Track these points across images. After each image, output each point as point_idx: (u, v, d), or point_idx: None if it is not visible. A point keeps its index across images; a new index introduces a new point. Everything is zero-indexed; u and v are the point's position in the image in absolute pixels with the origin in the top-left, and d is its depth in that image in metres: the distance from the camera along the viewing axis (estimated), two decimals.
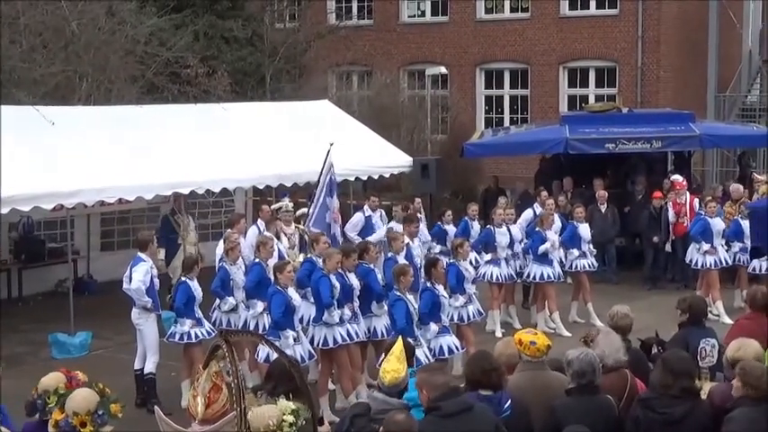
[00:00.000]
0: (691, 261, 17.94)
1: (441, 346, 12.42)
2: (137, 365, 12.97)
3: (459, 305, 13.91)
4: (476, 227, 17.45)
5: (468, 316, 14.05)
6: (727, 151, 27.57)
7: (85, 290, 18.72)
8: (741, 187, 19.87)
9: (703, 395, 7.47)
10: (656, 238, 19.32)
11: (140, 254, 13.20)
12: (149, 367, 12.91)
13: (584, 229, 17.28)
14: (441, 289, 12.71)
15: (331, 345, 12.32)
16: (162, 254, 16.89)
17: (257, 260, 13.48)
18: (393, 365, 7.18)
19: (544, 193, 18.28)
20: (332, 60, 31.61)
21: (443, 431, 6.58)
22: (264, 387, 7.49)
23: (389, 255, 14.22)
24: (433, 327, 12.31)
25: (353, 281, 12.70)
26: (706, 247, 17.51)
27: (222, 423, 5.09)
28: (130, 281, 12.91)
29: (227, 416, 5.61)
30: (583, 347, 7.80)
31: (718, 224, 17.81)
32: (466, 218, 17.66)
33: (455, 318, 13.79)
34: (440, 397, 6.71)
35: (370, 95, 29.91)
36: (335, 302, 12.31)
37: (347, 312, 12.51)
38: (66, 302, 15.57)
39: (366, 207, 17.79)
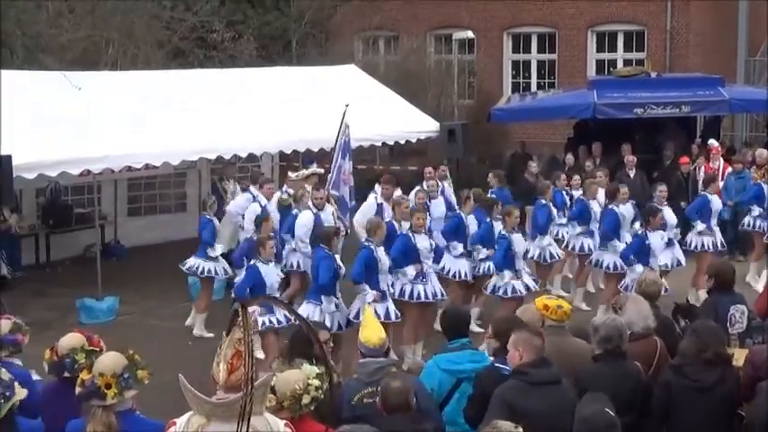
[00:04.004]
0: (685, 242, 15.98)
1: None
2: None
3: (546, 244, 15.44)
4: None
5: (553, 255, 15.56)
6: (756, 116, 27.30)
7: (113, 255, 18.80)
8: (766, 152, 19.62)
9: (734, 362, 7.43)
10: (683, 203, 19.14)
11: (251, 187, 15.38)
12: None
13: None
14: None
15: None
16: None
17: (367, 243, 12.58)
18: (376, 331, 7.47)
19: (428, 169, 16.65)
20: (358, 25, 31.42)
21: (526, 398, 6.53)
22: (284, 353, 7.54)
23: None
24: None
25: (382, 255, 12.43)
26: (701, 227, 15.95)
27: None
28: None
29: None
30: (610, 313, 7.77)
31: (716, 203, 16.34)
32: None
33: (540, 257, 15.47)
34: (531, 363, 6.69)
35: (396, 60, 29.74)
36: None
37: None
38: (94, 267, 15.61)
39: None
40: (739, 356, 7.98)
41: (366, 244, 12.31)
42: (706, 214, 16.09)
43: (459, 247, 14.29)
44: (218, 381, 5.30)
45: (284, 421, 5.58)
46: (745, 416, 7.17)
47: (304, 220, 14.30)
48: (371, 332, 7.45)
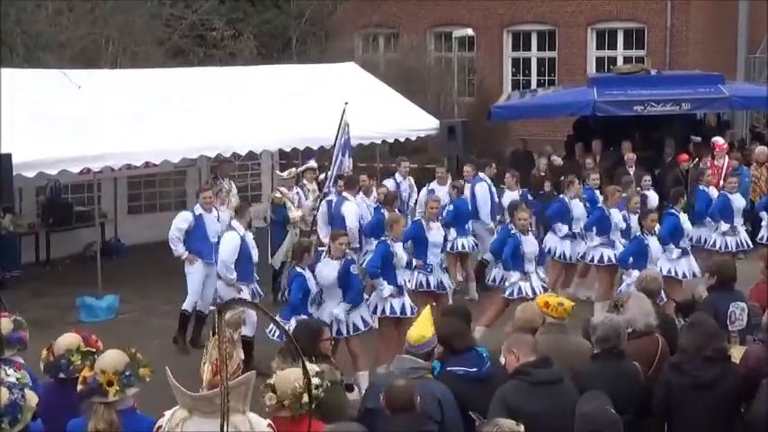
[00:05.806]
0: (706, 241, 15.86)
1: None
2: None
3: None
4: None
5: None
6: (757, 113, 27.31)
7: (113, 253, 18.76)
8: (766, 149, 19.59)
9: (733, 360, 7.41)
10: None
11: (346, 192, 14.91)
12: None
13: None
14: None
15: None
16: None
17: (384, 238, 12.47)
18: (420, 328, 7.25)
19: (368, 175, 16.45)
20: (358, 23, 31.42)
21: (529, 398, 6.51)
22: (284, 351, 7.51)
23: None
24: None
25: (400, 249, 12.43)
26: (725, 227, 15.64)
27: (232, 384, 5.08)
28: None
29: (234, 380, 5.58)
30: (608, 313, 7.77)
31: (738, 201, 15.99)
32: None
33: None
34: (532, 363, 6.67)
35: (396, 58, 29.73)
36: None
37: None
38: (94, 266, 15.61)
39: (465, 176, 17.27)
40: (738, 355, 7.97)
41: (382, 239, 12.39)
42: (728, 213, 15.77)
43: (564, 229, 15.34)
44: (203, 380, 5.35)
45: (267, 421, 5.58)
46: (744, 413, 7.16)
47: (228, 244, 12.61)
48: (415, 329, 7.34)
